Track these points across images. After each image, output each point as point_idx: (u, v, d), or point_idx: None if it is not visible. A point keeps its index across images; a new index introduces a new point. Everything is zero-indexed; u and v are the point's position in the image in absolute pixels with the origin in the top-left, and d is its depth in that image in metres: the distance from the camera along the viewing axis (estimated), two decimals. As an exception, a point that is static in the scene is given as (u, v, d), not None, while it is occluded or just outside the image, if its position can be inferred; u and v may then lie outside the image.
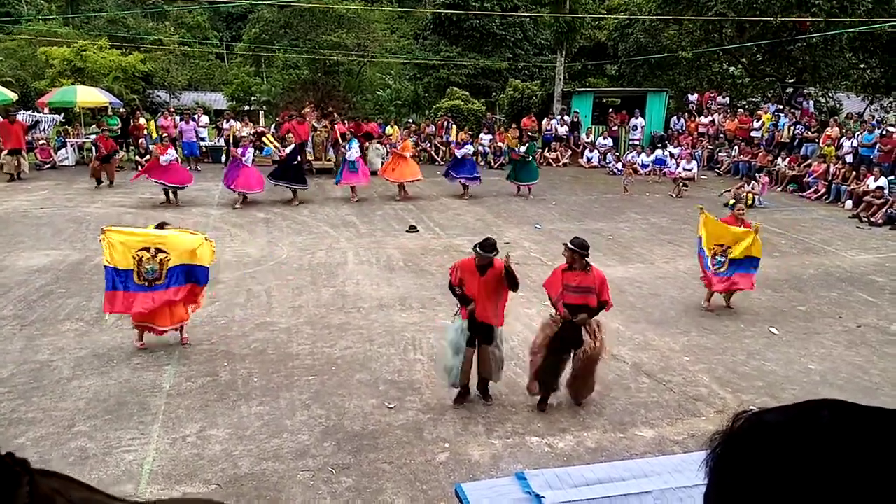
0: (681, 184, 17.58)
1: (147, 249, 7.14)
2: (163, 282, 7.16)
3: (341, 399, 6.36)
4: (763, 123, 20.97)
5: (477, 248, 6.20)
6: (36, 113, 19.13)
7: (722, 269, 8.77)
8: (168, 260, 7.16)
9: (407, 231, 13.17)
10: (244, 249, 11.42)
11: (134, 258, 7.09)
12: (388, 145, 21.31)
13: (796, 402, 0.69)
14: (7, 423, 5.80)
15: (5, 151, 17.51)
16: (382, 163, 18.33)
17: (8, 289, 9.26)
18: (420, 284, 9.78)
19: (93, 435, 5.65)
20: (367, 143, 19.70)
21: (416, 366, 7.12)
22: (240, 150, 14.77)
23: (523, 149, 17.07)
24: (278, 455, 5.43)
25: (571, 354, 6.20)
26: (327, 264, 10.83)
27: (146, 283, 7.11)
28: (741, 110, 22.91)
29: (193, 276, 7.33)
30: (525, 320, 8.25)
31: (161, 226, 7.59)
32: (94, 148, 18.54)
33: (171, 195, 14.83)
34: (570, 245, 6.14)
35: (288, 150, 15.75)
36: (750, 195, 16.01)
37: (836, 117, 21.14)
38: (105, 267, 7.15)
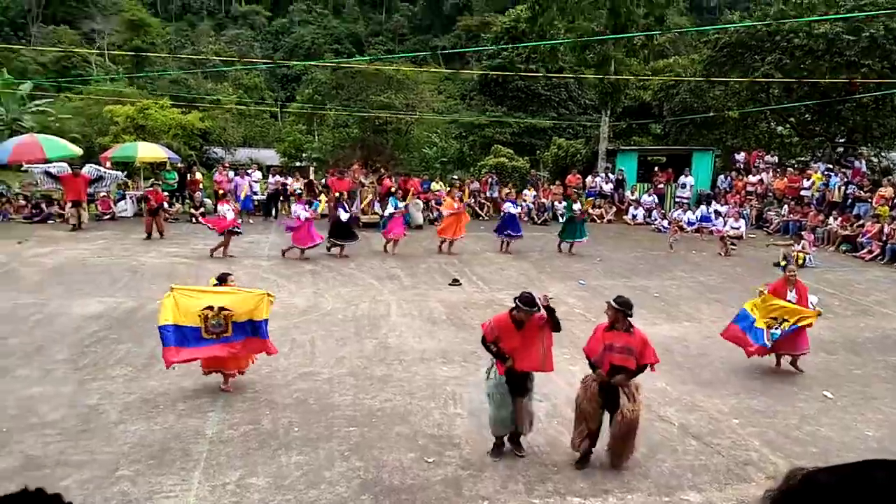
0: (728, 242, 17.30)
1: (210, 308, 7.36)
2: (230, 334, 7.38)
3: (380, 452, 6.32)
4: (813, 182, 20.61)
5: (519, 303, 6.16)
6: (100, 168, 19.99)
7: (767, 341, 8.50)
8: (231, 316, 7.38)
9: (450, 284, 13.22)
10: (291, 300, 11.61)
11: (200, 316, 7.31)
12: (433, 201, 21.67)
13: (851, 462, 0.67)
14: (54, 465, 5.92)
15: (69, 203, 18.35)
16: (423, 217, 18.82)
17: (64, 334, 9.58)
18: (462, 338, 9.75)
19: (135, 480, 5.72)
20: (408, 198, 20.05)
21: (456, 420, 7.05)
22: (292, 209, 15.29)
23: (565, 207, 17.22)
24: (316, 506, 5.39)
25: (609, 417, 6.07)
26: (371, 316, 10.91)
27: (214, 337, 7.34)
28: (790, 169, 22.61)
29: (256, 331, 7.53)
30: (568, 377, 8.10)
31: (222, 278, 7.83)
32: (142, 201, 19.23)
33: (228, 243, 15.23)
34: (613, 303, 6.07)
35: (343, 217, 15.78)
36: (800, 255, 15.63)
37: (890, 177, 20.65)
38: (160, 327, 7.24)
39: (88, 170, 19.22)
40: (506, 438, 6.34)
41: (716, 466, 6.23)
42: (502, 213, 17.05)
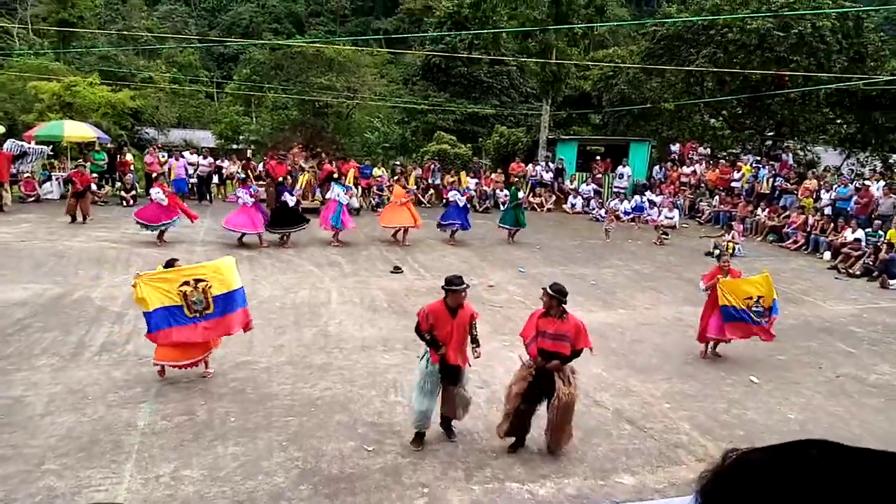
0: (661, 231, 17.80)
1: (187, 283, 7.21)
2: (212, 311, 7.26)
3: (319, 441, 6.26)
4: (743, 174, 21.39)
5: (445, 286, 6.17)
6: (24, 144, 18.96)
7: (765, 319, 8.80)
8: (210, 287, 7.26)
9: (391, 272, 13.18)
10: (227, 287, 11.33)
11: (179, 294, 7.14)
12: (375, 186, 21.48)
13: (785, 442, 0.69)
14: (-26, 459, 5.64)
15: None
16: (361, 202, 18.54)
17: (-17, 322, 9.11)
18: (403, 326, 9.73)
19: (63, 473, 5.51)
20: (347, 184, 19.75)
21: (397, 408, 7.05)
22: (234, 195, 14.81)
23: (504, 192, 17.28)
24: (253, 498, 5.31)
25: (546, 402, 6.18)
26: (311, 304, 10.78)
27: (198, 315, 7.21)
28: (722, 161, 23.40)
29: (235, 304, 7.43)
30: (508, 364, 8.19)
31: (170, 263, 7.65)
32: (69, 183, 17.99)
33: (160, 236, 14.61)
34: (548, 290, 6.17)
35: (291, 201, 15.25)
36: (730, 244, 16.23)
37: (814, 170, 21.65)
38: (145, 314, 7.15)
39: (9, 146, 18.22)
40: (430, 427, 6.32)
41: (648, 450, 6.44)
42: (447, 202, 16.89)
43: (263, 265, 13.22)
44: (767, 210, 19.19)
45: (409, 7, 57.64)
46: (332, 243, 15.33)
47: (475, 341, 6.27)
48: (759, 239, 18.70)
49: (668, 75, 25.74)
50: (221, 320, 7.37)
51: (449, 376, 6.18)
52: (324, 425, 6.59)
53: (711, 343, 9.15)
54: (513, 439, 6.31)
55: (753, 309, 8.75)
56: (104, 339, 8.68)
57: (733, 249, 16.16)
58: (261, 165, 22.34)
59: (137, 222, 14.49)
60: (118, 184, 20.91)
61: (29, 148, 18.79)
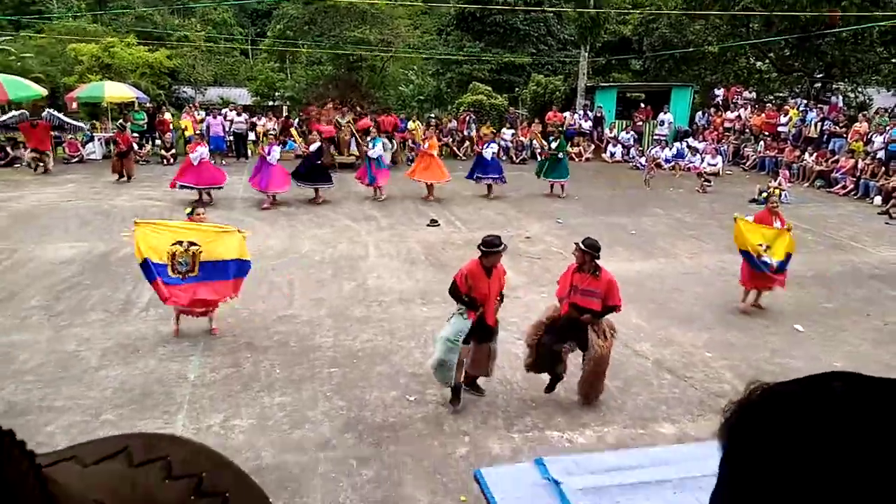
0: (703, 178, 17.39)
1: (179, 243, 7.27)
2: (196, 274, 7.30)
3: (362, 391, 6.40)
4: (790, 118, 20.65)
5: (482, 247, 6.02)
6: (62, 117, 19.24)
7: (774, 268, 8.61)
8: (200, 252, 7.29)
9: (428, 225, 13.19)
10: (266, 242, 11.52)
11: (168, 253, 7.21)
12: (410, 140, 21.36)
13: (810, 375, 0.68)
14: (38, 411, 5.92)
15: (29, 150, 17.91)
16: (392, 157, 18.33)
17: (35, 279, 9.45)
18: (440, 279, 9.77)
19: (119, 424, 5.75)
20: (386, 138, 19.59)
21: (437, 359, 7.13)
22: (266, 149, 14.56)
23: (554, 145, 16.81)
24: (300, 446, 5.48)
25: (568, 349, 6.20)
26: (349, 257, 10.89)
27: (180, 276, 7.26)
28: (768, 105, 22.59)
29: (234, 271, 7.46)
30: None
31: (193, 209, 7.74)
32: (111, 144, 18.71)
33: (206, 195, 14.66)
34: (581, 245, 6.09)
35: (312, 147, 15.28)
36: (777, 190, 15.76)
37: (866, 112, 20.74)
38: (140, 264, 7.24)
39: (47, 116, 18.47)
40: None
41: (689, 399, 6.42)
42: (480, 154, 16.55)
43: (301, 220, 13.35)
44: (815, 155, 18.55)
45: (442, -46, 56.29)
46: (377, 198, 15.35)
47: (501, 297, 6.26)
48: (806, 185, 18.14)
49: (713, 17, 24.74)
50: (201, 285, 7.32)
51: (484, 333, 6.14)
52: (366, 376, 6.72)
53: (754, 293, 8.97)
54: (544, 377, 6.33)
55: (763, 258, 8.53)
56: (150, 294, 8.90)
57: (779, 195, 15.72)
58: (296, 121, 22.41)
59: (182, 186, 14.44)
60: (158, 142, 21.21)
61: (66, 123, 19.08)
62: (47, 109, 19.18)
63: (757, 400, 0.69)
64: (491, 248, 6.02)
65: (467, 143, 22.28)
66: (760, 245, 8.55)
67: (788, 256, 8.66)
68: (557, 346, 6.20)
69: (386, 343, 7.54)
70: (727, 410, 0.72)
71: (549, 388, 6.35)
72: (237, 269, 7.53)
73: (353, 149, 19.93)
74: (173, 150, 20.19)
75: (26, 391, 6.27)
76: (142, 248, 7.16)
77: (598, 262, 6.08)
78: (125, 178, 16.91)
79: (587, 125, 23.23)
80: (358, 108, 21.34)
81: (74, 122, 19.78)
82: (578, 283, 6.07)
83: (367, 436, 5.65)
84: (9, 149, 19.33)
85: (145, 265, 7.18)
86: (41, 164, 17.75)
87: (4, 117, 18.37)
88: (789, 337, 8.06)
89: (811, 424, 0.61)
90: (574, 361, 6.33)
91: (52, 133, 18.71)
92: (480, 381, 6.44)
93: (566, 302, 6.16)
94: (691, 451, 3.55)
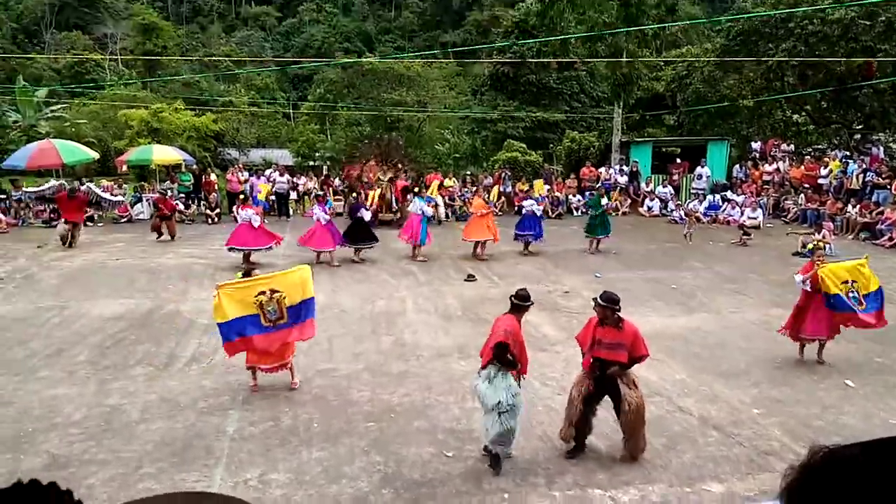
0: (743, 231, 17.15)
1: (263, 293, 7.41)
2: (286, 321, 7.43)
3: (400, 447, 6.34)
4: (830, 170, 20.37)
5: (514, 300, 6.16)
6: (100, 193, 19.11)
7: (862, 307, 8.38)
8: (284, 298, 7.44)
9: (465, 280, 13.22)
10: (306, 298, 11.64)
11: (255, 303, 7.34)
12: (447, 196, 21.62)
13: (876, 438, 0.66)
14: (79, 464, 6.00)
15: (63, 221, 16.83)
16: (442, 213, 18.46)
17: (83, 336, 9.69)
18: (478, 333, 9.71)
19: (159, 477, 5.78)
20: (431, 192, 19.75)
21: (475, 414, 7.03)
22: (312, 212, 14.70)
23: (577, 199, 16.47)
24: (337, 501, 5.42)
25: (601, 404, 6.19)
26: (387, 313, 10.94)
27: (272, 325, 7.38)
28: (807, 157, 22.35)
29: (307, 312, 7.62)
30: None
31: (247, 272, 7.96)
32: (154, 207, 18.83)
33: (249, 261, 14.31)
34: (599, 301, 6.06)
35: (366, 214, 15.39)
36: (821, 244, 15.45)
37: (910, 163, 20.36)
38: (219, 325, 7.35)
39: (86, 190, 18.31)
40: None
41: (737, 457, 6.19)
42: (523, 211, 16.26)
43: (342, 276, 13.52)
44: (859, 206, 18.19)
45: (476, 19, 58.01)
46: (415, 257, 15.20)
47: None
48: (850, 237, 17.74)
49: (746, 71, 24.83)
50: (292, 329, 7.51)
51: None
52: (403, 431, 6.66)
53: (811, 344, 8.71)
54: (572, 444, 6.24)
55: (850, 294, 8.31)
56: (193, 350, 9.08)
57: (824, 248, 15.39)
58: (337, 180, 22.92)
59: (230, 249, 14.34)
60: (203, 203, 21.87)
61: (103, 199, 19.04)
62: (87, 184, 19.12)
63: (819, 464, 0.68)
64: (526, 301, 6.12)
65: (503, 199, 22.46)
66: (846, 283, 8.35)
67: (880, 291, 8.50)
68: (593, 409, 6.18)
69: (423, 398, 7.49)
70: (788, 474, 0.71)
71: (575, 452, 6.22)
72: (312, 308, 7.71)
73: (395, 206, 20.19)
74: (218, 210, 20.76)
75: (69, 444, 6.37)
76: (225, 309, 7.26)
77: (619, 314, 6.03)
78: (169, 238, 17.26)
79: (623, 180, 23.25)
80: (399, 165, 21.62)
81: (111, 198, 19.80)
82: (602, 337, 6.03)
83: (405, 492, 5.56)
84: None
85: (227, 325, 7.26)
86: (72, 237, 16.55)
87: (43, 187, 18.88)
88: (840, 392, 7.77)
89: (873, 491, 0.60)
90: (608, 418, 6.19)
91: (87, 210, 18.46)
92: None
93: (589, 356, 6.12)
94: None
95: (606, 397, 6.17)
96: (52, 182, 19.02)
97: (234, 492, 5.56)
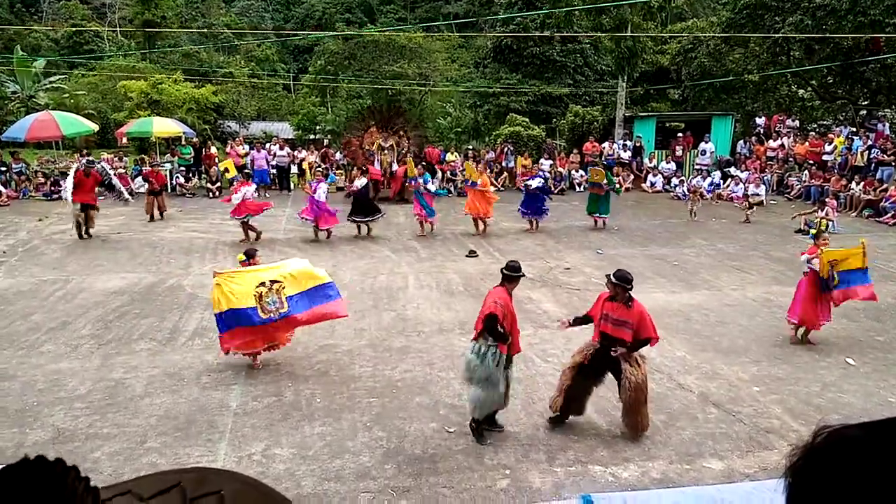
0: (746, 207, 17.10)
1: (263, 284, 7.30)
2: (286, 309, 7.34)
3: (402, 422, 6.39)
4: (835, 147, 20.24)
5: (506, 271, 6.17)
6: (114, 179, 17.19)
7: (835, 283, 8.42)
8: (283, 288, 7.35)
9: (467, 256, 13.22)
10: (308, 273, 11.65)
11: (255, 296, 7.22)
12: (448, 172, 21.52)
13: (881, 419, 0.66)
14: (84, 438, 6.05)
15: (77, 206, 14.61)
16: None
17: (86, 309, 9.72)
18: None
19: (163, 451, 5.84)
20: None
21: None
22: (312, 187, 14.32)
23: (604, 181, 15.93)
24: (340, 476, 5.48)
25: (601, 380, 6.28)
26: (389, 288, 10.96)
27: (273, 315, 7.27)
28: (812, 133, 22.19)
29: (322, 296, 7.59)
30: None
31: (250, 253, 7.90)
32: (145, 181, 17.72)
33: (251, 231, 14.35)
34: (612, 278, 6.08)
35: (358, 184, 15.13)
36: (824, 221, 15.41)
37: (916, 139, 20.20)
38: (216, 315, 7.25)
39: (100, 169, 16.74)
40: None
41: (737, 434, 6.23)
42: (526, 188, 15.85)
43: (343, 251, 13.52)
44: (863, 183, 18.10)
45: (479, -11, 57.18)
46: (424, 234, 15.10)
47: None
48: (853, 214, 17.69)
49: (752, 45, 24.54)
50: (299, 316, 7.43)
51: (507, 363, 6.12)
52: (405, 407, 6.70)
53: (802, 329, 8.72)
54: (558, 415, 6.32)
55: (830, 274, 8.34)
56: (196, 324, 9.11)
57: (826, 226, 15.35)
58: (338, 154, 22.80)
59: (236, 218, 14.19)
60: (204, 176, 21.80)
61: (117, 186, 16.95)
62: (101, 163, 18.01)
63: (822, 445, 0.68)
64: (516, 272, 6.16)
65: (505, 174, 22.37)
66: (830, 264, 8.37)
67: (866, 271, 8.57)
68: (590, 385, 6.24)
69: (425, 373, 7.53)
70: (792, 454, 0.70)
71: (558, 421, 6.30)
72: (329, 292, 7.67)
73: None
74: (219, 184, 20.71)
75: (74, 418, 6.42)
76: (222, 300, 7.15)
77: (630, 293, 6.05)
78: (159, 217, 16.58)
79: (626, 155, 23.12)
80: (401, 133, 21.26)
81: (122, 188, 17.50)
82: (610, 312, 6.06)
83: (407, 467, 5.62)
84: (62, 182, 19.59)
85: (224, 315, 7.16)
86: (87, 224, 14.78)
87: (71, 171, 15.84)
88: (840, 370, 7.80)
89: (876, 471, 0.60)
90: (609, 396, 6.22)
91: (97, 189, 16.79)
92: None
93: (597, 330, 6.18)
94: (743, 489, 3.44)
95: (611, 376, 6.21)
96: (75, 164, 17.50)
97: (237, 466, 5.62)
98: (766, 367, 7.87)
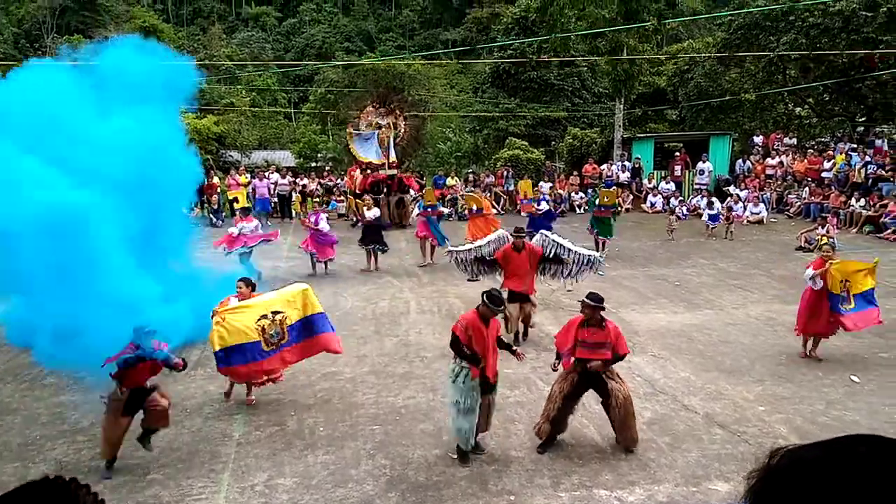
0: (727, 229, 17.22)
1: (265, 317, 7.20)
2: (287, 339, 7.28)
3: (405, 449, 6.36)
4: (834, 163, 20.31)
5: (486, 301, 6.12)
6: None
7: (851, 306, 8.40)
8: (286, 318, 7.27)
9: (468, 280, 13.19)
10: (310, 301, 11.65)
11: (257, 329, 7.11)
12: (450, 196, 21.61)
13: (834, 438, 0.68)
14: (87, 471, 6.03)
15: None
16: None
17: (90, 341, 9.70)
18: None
19: (166, 483, 5.81)
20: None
21: (480, 415, 7.05)
22: (313, 219, 14.00)
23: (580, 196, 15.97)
24: (344, 505, 5.44)
25: (580, 400, 6.39)
26: (390, 314, 10.96)
27: (275, 347, 7.20)
28: (810, 151, 22.29)
29: (316, 328, 7.47)
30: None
31: (247, 281, 7.80)
32: None
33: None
34: (588, 301, 6.20)
35: (371, 214, 14.70)
36: (825, 238, 15.40)
37: (914, 155, 20.28)
38: (215, 353, 7.03)
39: None
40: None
41: (743, 455, 6.19)
42: (533, 213, 15.55)
43: (344, 277, 13.53)
44: (863, 200, 18.13)
45: (476, 16, 57.90)
46: (430, 263, 14.82)
47: (507, 347, 6.42)
48: (854, 231, 17.69)
49: (748, 65, 24.76)
50: (297, 347, 7.36)
51: (484, 386, 6.10)
52: (409, 434, 6.68)
53: (812, 342, 8.72)
54: (545, 441, 6.36)
55: (842, 294, 8.32)
56: (198, 355, 9.08)
57: (828, 242, 15.33)
58: (340, 180, 22.93)
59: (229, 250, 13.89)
60: (206, 206, 21.90)
61: None
62: None
63: (781, 466, 0.69)
64: (497, 304, 6.19)
65: (505, 197, 22.46)
66: (843, 282, 8.36)
67: (871, 290, 8.54)
68: (573, 405, 6.34)
69: (428, 400, 7.51)
70: (751, 477, 0.72)
71: (546, 446, 6.32)
72: (325, 322, 7.56)
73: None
74: (221, 213, 20.79)
75: (77, 451, 6.41)
76: (223, 337, 6.94)
77: (602, 314, 6.19)
78: None
79: (625, 176, 23.21)
80: (398, 111, 21.03)
81: None
82: (586, 338, 6.16)
83: (410, 495, 5.58)
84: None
85: (225, 352, 6.96)
86: None
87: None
88: (844, 388, 7.76)
89: (835, 492, 0.61)
90: (591, 412, 6.20)
91: None
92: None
93: (569, 358, 6.25)
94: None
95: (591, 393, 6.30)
96: None
97: (241, 497, 5.59)
98: (770, 385, 7.84)
